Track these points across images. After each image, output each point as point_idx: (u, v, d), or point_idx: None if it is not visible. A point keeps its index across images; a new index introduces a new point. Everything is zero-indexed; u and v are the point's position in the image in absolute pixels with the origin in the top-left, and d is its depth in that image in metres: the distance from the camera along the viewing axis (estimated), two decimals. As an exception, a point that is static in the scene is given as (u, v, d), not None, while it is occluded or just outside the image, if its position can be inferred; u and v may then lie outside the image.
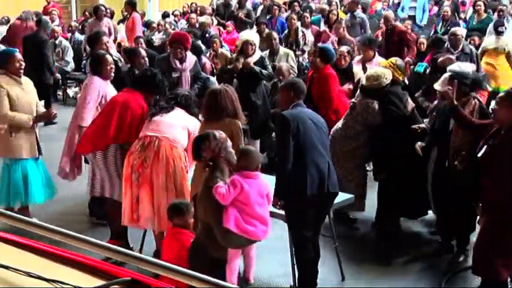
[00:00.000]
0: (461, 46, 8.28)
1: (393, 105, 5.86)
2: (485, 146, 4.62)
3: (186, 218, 4.52)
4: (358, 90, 6.25)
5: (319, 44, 8.55)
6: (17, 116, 5.84)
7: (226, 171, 4.40)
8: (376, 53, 8.30)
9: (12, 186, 6.01)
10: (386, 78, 5.91)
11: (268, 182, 4.55)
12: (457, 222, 5.45)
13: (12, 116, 5.83)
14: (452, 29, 8.79)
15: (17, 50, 6.45)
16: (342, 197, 5.26)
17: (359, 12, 12.07)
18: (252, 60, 7.73)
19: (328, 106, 6.93)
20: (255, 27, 11.75)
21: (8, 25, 12.28)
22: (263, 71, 7.74)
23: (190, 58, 7.57)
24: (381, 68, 6.33)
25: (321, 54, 7.22)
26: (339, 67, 7.62)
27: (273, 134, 7.72)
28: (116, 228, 5.46)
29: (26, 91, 5.98)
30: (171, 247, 4.51)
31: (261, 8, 14.12)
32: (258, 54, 7.89)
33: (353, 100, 6.24)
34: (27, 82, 6.12)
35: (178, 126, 5.14)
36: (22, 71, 5.98)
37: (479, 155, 4.62)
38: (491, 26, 11.18)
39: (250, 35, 8.26)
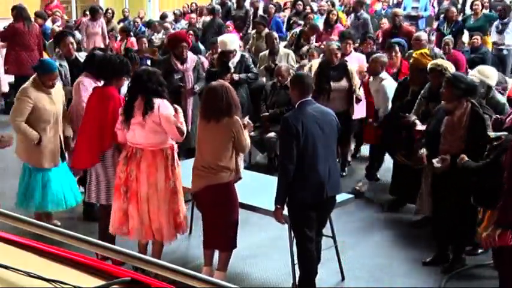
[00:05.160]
0: None
1: None
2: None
3: None
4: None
5: (395, 39, 8.35)
6: (27, 130, 5.70)
7: None
8: (353, 49, 8.62)
9: (30, 191, 5.95)
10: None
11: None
12: (454, 229, 5.40)
13: (24, 127, 5.71)
14: (416, 34, 8.60)
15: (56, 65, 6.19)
16: (342, 197, 5.26)
17: (363, 13, 12.06)
18: (234, 61, 7.77)
19: None
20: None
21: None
22: (248, 75, 7.79)
23: (192, 58, 7.57)
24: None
25: (400, 48, 7.55)
26: (331, 64, 7.64)
27: (272, 134, 7.73)
28: (105, 234, 5.28)
29: (54, 101, 5.88)
30: None
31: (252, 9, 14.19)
32: (238, 54, 7.95)
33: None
34: (58, 90, 6.00)
35: (155, 126, 4.92)
36: (54, 87, 5.89)
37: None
38: (495, 24, 11.20)
39: (230, 40, 8.24)
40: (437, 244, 5.63)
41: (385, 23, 11.98)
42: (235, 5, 14.53)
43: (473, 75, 5.78)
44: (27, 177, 6.00)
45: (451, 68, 6.11)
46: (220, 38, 8.67)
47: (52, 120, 5.86)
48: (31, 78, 5.91)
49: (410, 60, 6.75)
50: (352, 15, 12.25)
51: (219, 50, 8.31)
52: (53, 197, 5.99)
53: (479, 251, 5.68)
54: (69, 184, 6.15)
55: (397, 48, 7.60)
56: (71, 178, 6.22)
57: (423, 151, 5.57)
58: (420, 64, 6.44)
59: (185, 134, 5.06)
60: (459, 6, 14.33)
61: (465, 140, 5.17)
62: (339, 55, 7.71)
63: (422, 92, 6.31)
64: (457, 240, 5.51)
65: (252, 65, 8.27)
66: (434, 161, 5.31)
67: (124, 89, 5.82)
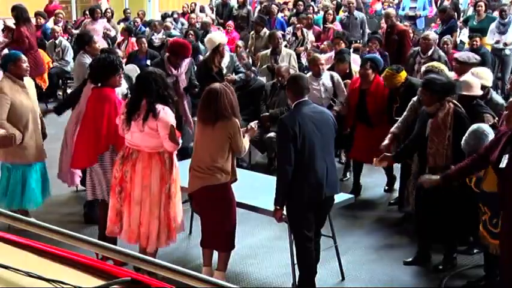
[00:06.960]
0: (431, 51, 7.98)
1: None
2: (507, 156, 4.35)
3: None
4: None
5: (369, 55, 7.89)
6: (11, 130, 5.70)
7: None
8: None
9: (11, 188, 5.96)
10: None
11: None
12: (442, 229, 5.37)
13: (8, 127, 5.68)
14: (425, 33, 8.67)
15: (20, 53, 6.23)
16: (342, 197, 5.26)
17: (359, 13, 12.07)
18: (225, 61, 7.75)
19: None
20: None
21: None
22: (240, 76, 7.81)
23: (185, 61, 7.55)
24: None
25: (372, 65, 7.04)
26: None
27: (272, 134, 7.73)
28: (105, 229, 5.24)
29: (29, 95, 5.90)
30: None
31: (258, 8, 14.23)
32: (227, 55, 7.94)
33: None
34: (29, 85, 6.04)
35: (153, 131, 4.87)
36: (28, 72, 5.94)
37: (502, 165, 4.37)
38: (493, 25, 11.19)
39: (222, 37, 8.19)
40: (419, 244, 5.63)
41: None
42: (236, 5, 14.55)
43: (467, 78, 5.78)
44: (5, 174, 6.01)
45: (446, 70, 6.19)
46: (207, 38, 8.29)
47: (31, 115, 5.87)
48: (2, 76, 5.93)
49: (384, 81, 6.71)
50: (344, 14, 12.24)
51: (210, 48, 8.04)
52: (30, 195, 5.99)
53: (475, 250, 5.69)
54: (41, 183, 6.12)
55: (367, 65, 7.10)
56: (46, 178, 6.19)
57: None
58: (393, 85, 6.60)
59: (180, 145, 5.01)
60: (460, 6, 14.34)
61: (452, 140, 5.18)
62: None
63: (418, 94, 6.35)
64: (447, 239, 5.50)
65: (240, 66, 8.20)
66: (423, 177, 5.25)
67: (120, 89, 5.82)
